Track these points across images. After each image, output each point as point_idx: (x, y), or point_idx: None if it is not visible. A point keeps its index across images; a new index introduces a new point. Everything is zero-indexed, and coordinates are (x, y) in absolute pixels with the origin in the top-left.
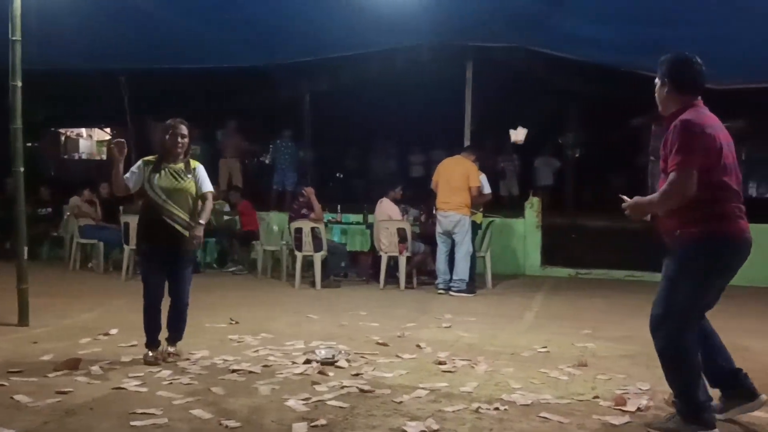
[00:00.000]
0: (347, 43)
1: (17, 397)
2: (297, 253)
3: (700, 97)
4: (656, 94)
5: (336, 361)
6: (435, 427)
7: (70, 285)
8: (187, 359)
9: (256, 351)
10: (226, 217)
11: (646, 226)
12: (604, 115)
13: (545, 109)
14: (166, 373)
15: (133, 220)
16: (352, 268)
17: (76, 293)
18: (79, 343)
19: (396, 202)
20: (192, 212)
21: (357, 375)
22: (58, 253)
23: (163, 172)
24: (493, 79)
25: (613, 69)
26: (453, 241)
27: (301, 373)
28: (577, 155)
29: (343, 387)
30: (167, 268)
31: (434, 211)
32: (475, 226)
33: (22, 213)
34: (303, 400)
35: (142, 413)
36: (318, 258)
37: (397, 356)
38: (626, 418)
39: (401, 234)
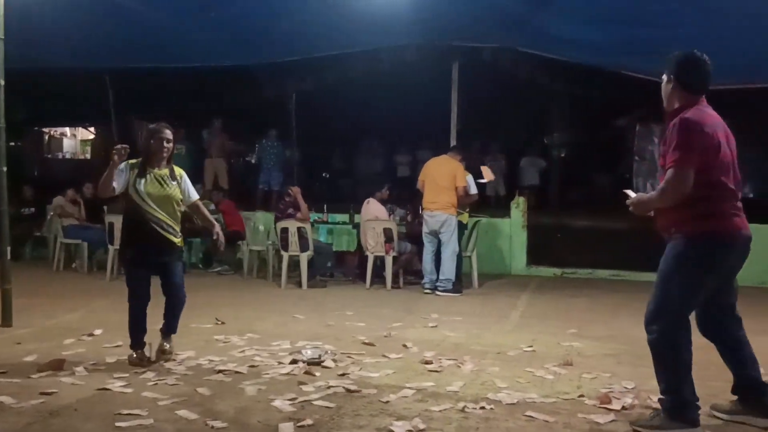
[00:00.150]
0: (334, 43)
1: (0, 398)
2: (283, 253)
3: (704, 96)
4: (662, 89)
5: (322, 361)
6: (421, 426)
7: (53, 285)
8: (173, 360)
9: (242, 351)
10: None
11: (630, 226)
12: (590, 115)
13: (531, 110)
14: (151, 373)
15: (117, 220)
16: (339, 268)
17: (60, 293)
18: (63, 343)
19: (383, 202)
20: (176, 218)
21: (343, 375)
22: (42, 253)
23: (148, 177)
24: (480, 79)
25: (599, 69)
26: (439, 240)
27: (287, 374)
28: (562, 155)
29: (329, 387)
30: (157, 270)
31: (420, 211)
32: (461, 226)
33: (5, 213)
34: (289, 400)
35: (127, 414)
36: (304, 258)
37: (384, 356)
38: (611, 417)
39: (388, 234)
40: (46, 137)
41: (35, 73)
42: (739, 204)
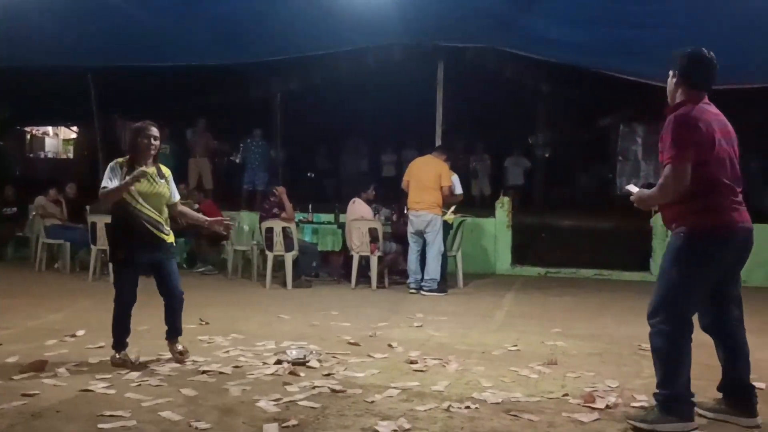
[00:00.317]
0: (319, 43)
1: None
2: (268, 252)
3: (706, 94)
4: (667, 85)
5: (307, 361)
6: (407, 426)
7: (35, 286)
8: (157, 360)
9: (227, 352)
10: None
11: (614, 226)
12: (574, 115)
13: (516, 109)
14: (134, 374)
15: (99, 220)
16: (324, 267)
17: (42, 294)
18: (45, 344)
19: (368, 202)
20: (167, 216)
21: (328, 375)
22: (24, 254)
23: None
24: (465, 79)
25: (583, 70)
26: (424, 240)
27: (272, 374)
28: (546, 155)
29: (314, 387)
30: (151, 270)
31: (405, 211)
32: (446, 226)
33: None
34: (274, 400)
35: (110, 415)
36: (289, 258)
37: (369, 356)
38: (595, 416)
39: (373, 234)
40: (28, 136)
41: (17, 72)
42: (739, 198)
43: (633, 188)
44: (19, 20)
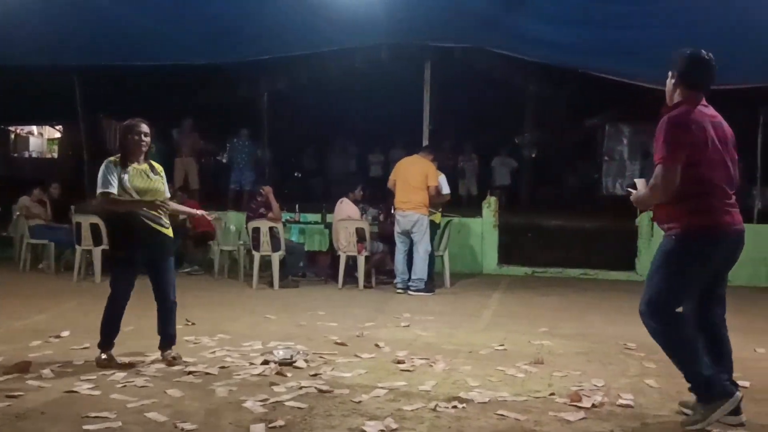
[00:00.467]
0: (306, 42)
1: None
2: (255, 252)
3: (703, 95)
4: (666, 86)
5: (294, 362)
6: (394, 426)
7: (20, 286)
8: (142, 361)
9: (213, 352)
10: (181, 217)
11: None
12: (561, 115)
13: (503, 109)
14: (119, 375)
15: (85, 220)
16: (311, 267)
17: (27, 295)
18: (30, 345)
19: (356, 202)
20: (164, 210)
21: (315, 375)
22: (8, 254)
23: (132, 171)
24: (452, 79)
25: (569, 70)
26: (411, 240)
27: (258, 374)
28: (533, 155)
29: (301, 387)
30: (149, 267)
31: (392, 211)
32: (433, 226)
33: None
34: (261, 401)
35: (95, 417)
36: (276, 258)
37: (356, 356)
38: (581, 414)
39: (360, 233)
40: (12, 135)
41: (0, 71)
42: (732, 200)
43: (640, 183)
44: (3, 19)
